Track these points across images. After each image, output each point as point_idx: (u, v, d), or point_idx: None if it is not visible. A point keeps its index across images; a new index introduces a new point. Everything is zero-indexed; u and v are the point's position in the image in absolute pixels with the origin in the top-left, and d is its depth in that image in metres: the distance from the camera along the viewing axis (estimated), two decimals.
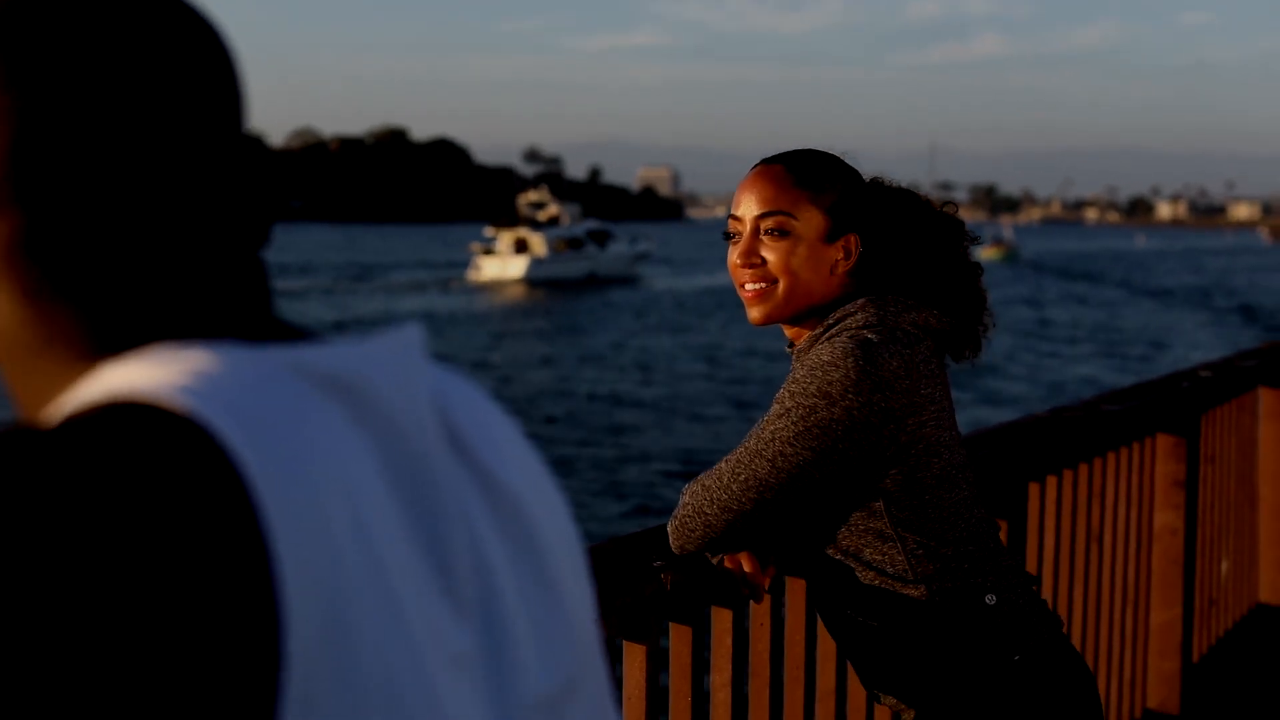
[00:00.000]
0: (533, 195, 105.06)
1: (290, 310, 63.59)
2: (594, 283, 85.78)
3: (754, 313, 2.87)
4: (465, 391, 1.13)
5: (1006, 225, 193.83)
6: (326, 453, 0.93)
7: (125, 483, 0.84)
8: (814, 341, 2.81)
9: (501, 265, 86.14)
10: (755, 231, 2.86)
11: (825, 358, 2.70)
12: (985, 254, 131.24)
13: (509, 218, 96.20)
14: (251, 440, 0.89)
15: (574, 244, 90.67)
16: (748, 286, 2.87)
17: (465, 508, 1.06)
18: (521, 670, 1.06)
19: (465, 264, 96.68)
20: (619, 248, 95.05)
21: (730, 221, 2.92)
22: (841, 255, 2.85)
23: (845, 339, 2.71)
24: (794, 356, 2.87)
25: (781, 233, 2.84)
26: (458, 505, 1.04)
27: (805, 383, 2.69)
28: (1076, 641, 4.73)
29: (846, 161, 2.94)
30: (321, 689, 0.88)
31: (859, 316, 2.78)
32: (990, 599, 2.78)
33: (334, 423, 0.96)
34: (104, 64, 0.99)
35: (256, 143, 1.10)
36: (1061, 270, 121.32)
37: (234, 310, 1.05)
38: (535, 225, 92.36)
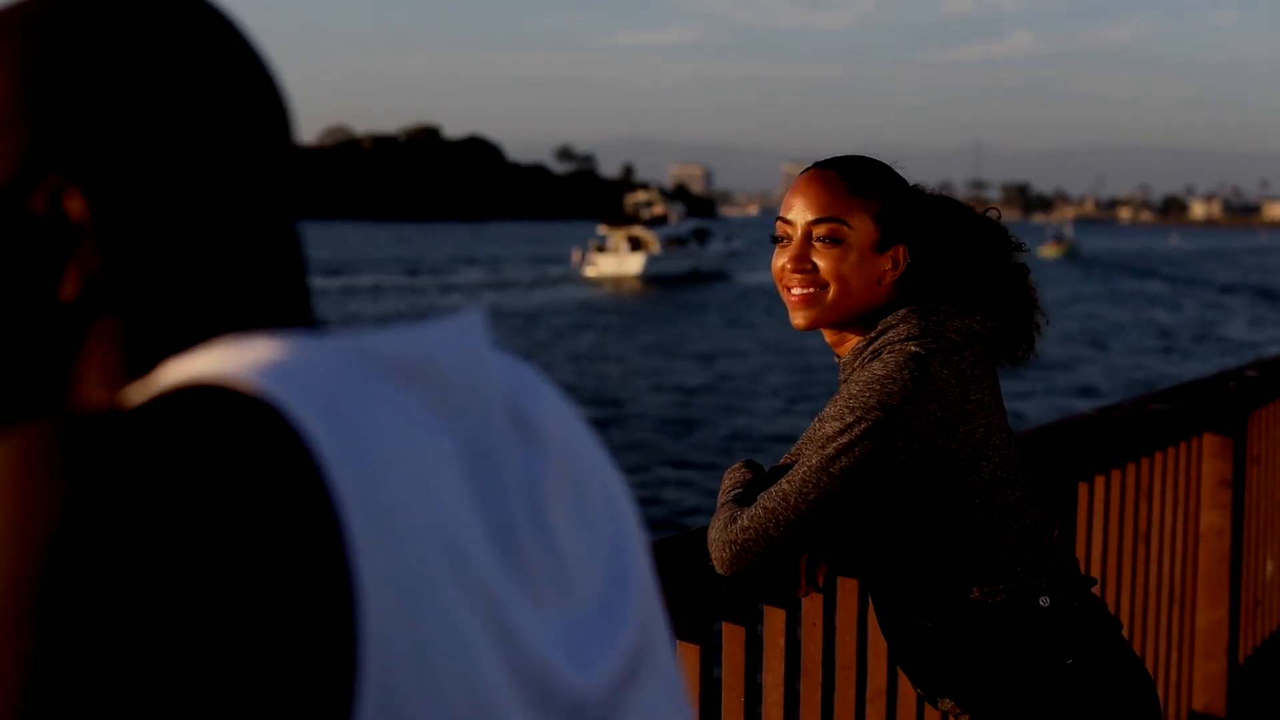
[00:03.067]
0: (641, 195, 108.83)
1: (417, 306, 65.42)
2: (695, 278, 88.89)
3: (799, 317, 2.84)
4: (528, 377, 1.12)
5: (1065, 225, 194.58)
6: (402, 438, 0.93)
7: (206, 469, 0.84)
8: (859, 353, 2.79)
9: (619, 262, 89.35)
10: (807, 237, 2.84)
11: (880, 371, 2.68)
12: (1046, 251, 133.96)
13: (618, 216, 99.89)
14: (329, 426, 0.89)
15: (680, 242, 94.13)
16: (795, 291, 2.84)
17: (538, 492, 1.05)
18: (586, 657, 1.05)
19: (554, 260, 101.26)
20: (717, 245, 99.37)
21: (780, 225, 2.89)
22: (890, 266, 2.83)
23: (898, 351, 2.70)
24: (841, 369, 2.85)
25: (834, 240, 2.81)
26: (531, 490, 1.04)
27: (864, 396, 2.67)
28: None
29: (896, 171, 2.93)
30: (400, 677, 0.88)
31: (902, 328, 2.76)
32: (1044, 601, 2.75)
33: (406, 407, 0.96)
34: (155, 66, 1.00)
35: (293, 144, 1.09)
36: (1120, 266, 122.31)
37: (279, 309, 1.05)
38: (645, 224, 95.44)
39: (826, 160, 2.91)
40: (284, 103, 1.08)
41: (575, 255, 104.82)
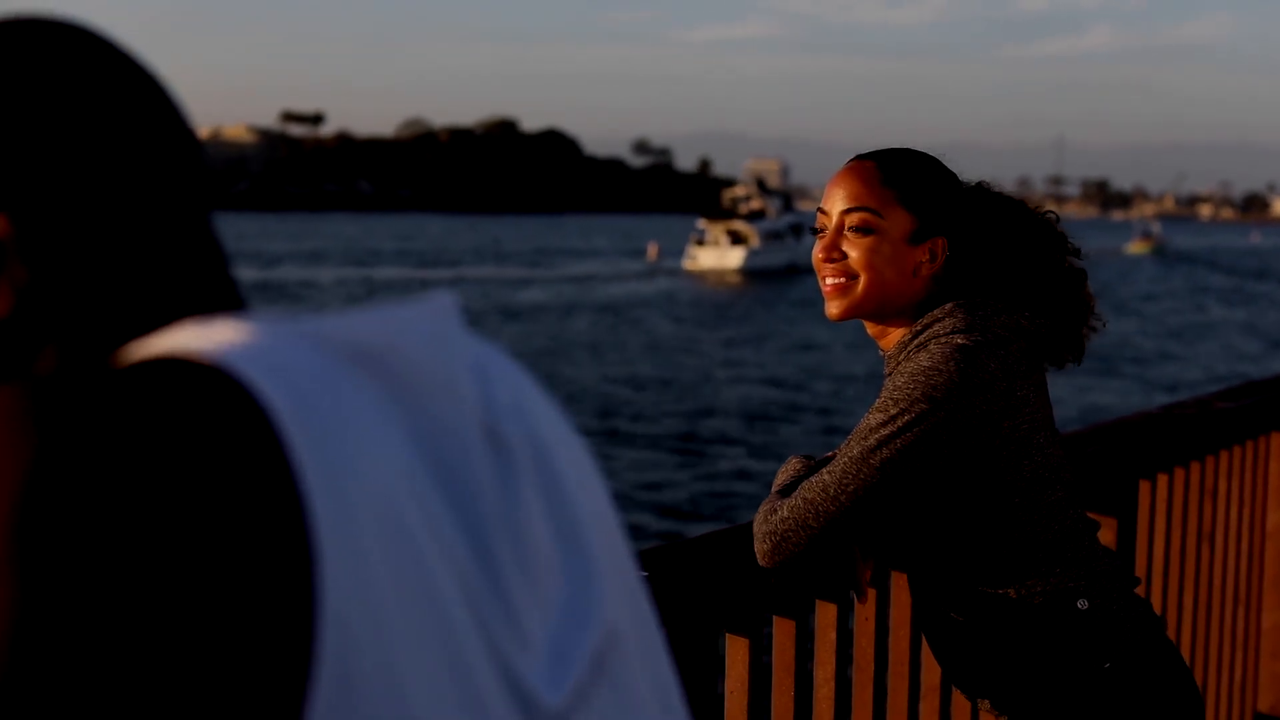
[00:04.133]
0: (740, 190, 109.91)
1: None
2: (792, 272, 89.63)
3: (832, 307, 2.85)
4: (499, 362, 1.13)
5: (1152, 221, 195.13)
6: (358, 417, 0.96)
7: (171, 433, 0.88)
8: (905, 348, 2.79)
9: (720, 255, 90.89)
10: (840, 227, 2.85)
11: (926, 363, 2.68)
12: (1134, 249, 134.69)
13: (716, 210, 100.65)
14: (289, 396, 0.92)
15: (777, 236, 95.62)
16: (828, 280, 2.85)
17: (504, 480, 1.06)
18: (548, 657, 1.06)
19: (635, 253, 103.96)
20: (810, 240, 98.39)
21: (818, 216, 2.91)
22: (926, 258, 2.83)
23: (944, 343, 2.69)
24: (886, 362, 2.85)
25: (866, 230, 2.82)
26: (498, 475, 1.05)
27: (909, 389, 2.67)
28: (1186, 643, 4.67)
29: (944, 164, 2.91)
30: (357, 654, 0.89)
31: (948, 321, 2.75)
32: (1082, 604, 2.73)
33: (361, 390, 0.97)
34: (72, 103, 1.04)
35: (192, 143, 1.12)
36: (1208, 262, 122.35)
37: (209, 299, 1.08)
38: (743, 218, 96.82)
39: (867, 152, 2.92)
40: (175, 106, 1.11)
41: (651, 250, 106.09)
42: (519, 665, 1.02)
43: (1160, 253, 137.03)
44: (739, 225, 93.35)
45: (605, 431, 29.31)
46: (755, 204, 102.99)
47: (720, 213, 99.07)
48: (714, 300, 68.19)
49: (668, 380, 37.67)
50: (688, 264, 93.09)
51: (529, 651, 1.03)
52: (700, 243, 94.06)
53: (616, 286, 77.96)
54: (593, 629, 1.09)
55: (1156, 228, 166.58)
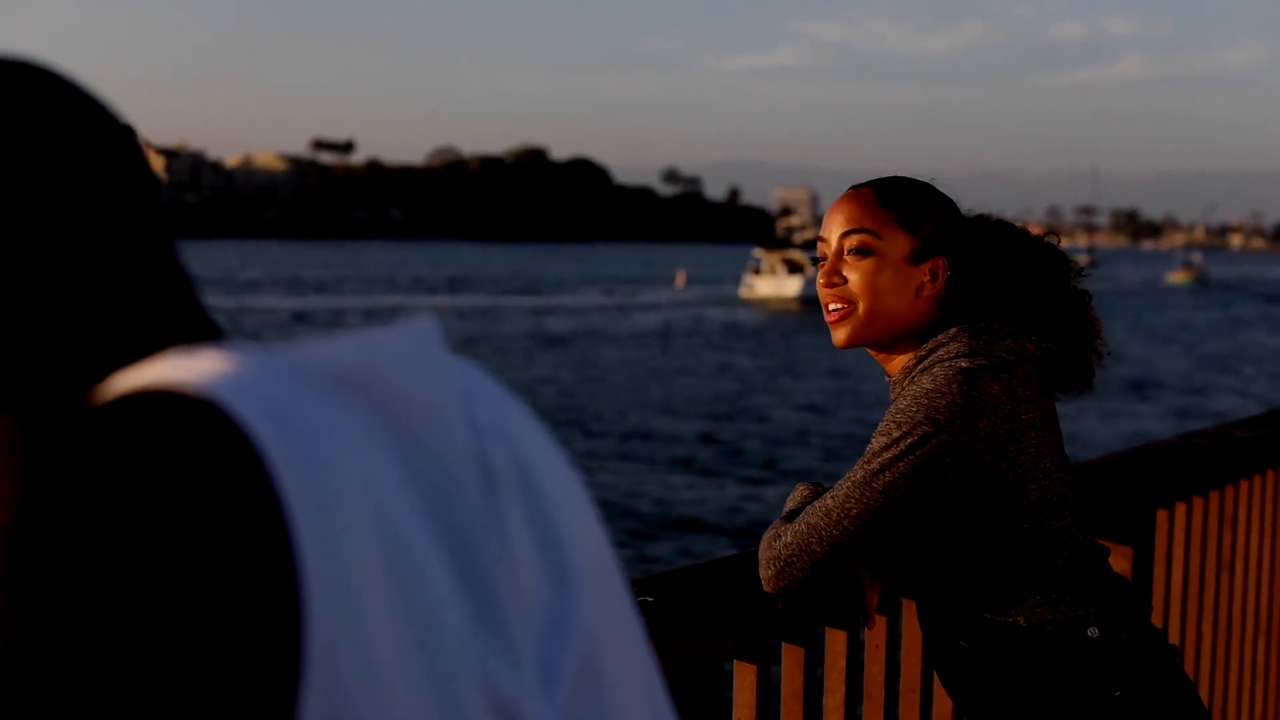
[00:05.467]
0: (794, 220, 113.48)
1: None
2: None
3: (837, 335, 2.83)
4: (482, 383, 1.13)
5: (1194, 252, 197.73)
6: (346, 447, 0.95)
7: (157, 466, 0.87)
8: (910, 372, 2.77)
9: (777, 284, 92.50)
10: (840, 252, 2.84)
11: (929, 385, 2.66)
12: (1176, 278, 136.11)
13: (770, 240, 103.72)
14: (274, 427, 0.91)
15: None
16: (830, 308, 2.83)
17: (492, 504, 1.05)
18: (531, 672, 1.05)
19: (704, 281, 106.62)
20: None
21: (819, 245, 2.90)
22: (928, 278, 2.81)
23: (947, 366, 2.67)
24: (891, 388, 2.83)
25: (864, 252, 2.81)
26: (482, 502, 1.04)
27: (911, 411, 2.65)
28: (1205, 674, 4.64)
29: (938, 189, 2.91)
30: (346, 684, 0.89)
31: (952, 346, 2.73)
32: (1092, 632, 2.70)
33: (347, 418, 0.97)
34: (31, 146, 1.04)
35: (148, 175, 1.13)
36: (1249, 293, 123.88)
37: (184, 328, 1.08)
38: (799, 247, 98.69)
39: (865, 180, 2.92)
40: (130, 137, 1.11)
41: (679, 278, 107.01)
42: (510, 689, 1.01)
43: (1202, 282, 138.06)
44: (795, 254, 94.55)
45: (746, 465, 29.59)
46: (809, 233, 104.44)
47: (775, 242, 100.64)
48: (781, 327, 70.12)
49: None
50: (744, 292, 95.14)
51: (521, 671, 1.03)
52: (757, 271, 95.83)
53: (682, 312, 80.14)
54: (574, 642, 1.08)
55: (1198, 258, 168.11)
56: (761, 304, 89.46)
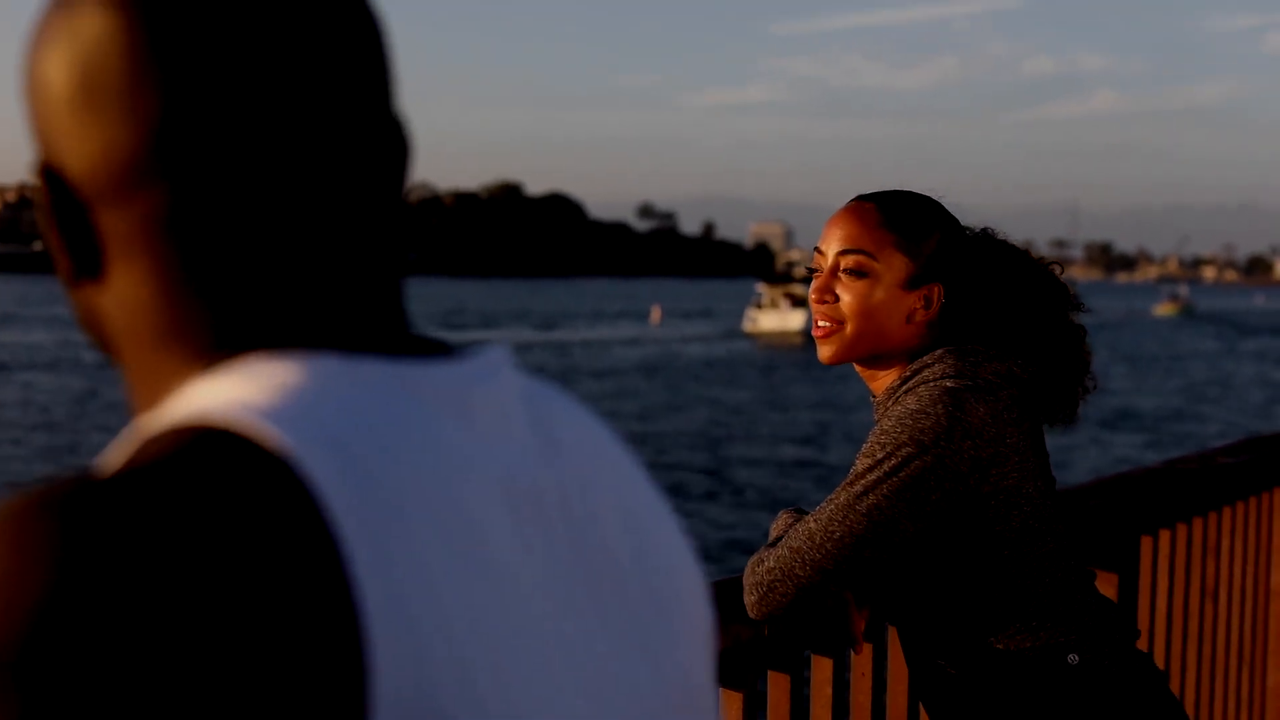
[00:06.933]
0: (795, 254, 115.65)
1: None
2: None
3: (822, 351, 2.80)
4: (563, 402, 1.09)
5: (1183, 284, 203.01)
6: (433, 472, 0.91)
7: (199, 545, 0.80)
8: (894, 392, 2.73)
9: (781, 318, 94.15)
10: (835, 269, 2.79)
11: (914, 406, 2.62)
12: (1162, 310, 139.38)
13: (770, 274, 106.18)
14: (343, 474, 0.86)
15: None
16: (819, 324, 2.79)
17: (574, 519, 1.02)
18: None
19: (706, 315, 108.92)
20: None
21: (815, 256, 2.85)
22: (921, 304, 2.77)
23: (932, 387, 2.63)
24: (875, 408, 2.79)
25: (859, 273, 2.76)
26: (568, 517, 1.01)
27: (895, 433, 2.61)
28: (1189, 702, 4.62)
29: (945, 207, 2.85)
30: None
31: (938, 367, 2.69)
32: (1073, 659, 2.65)
33: (445, 435, 0.94)
34: (257, 38, 0.95)
35: (404, 135, 1.05)
36: (1232, 323, 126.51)
37: (363, 316, 1.00)
38: (801, 281, 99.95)
39: (869, 194, 2.85)
40: (389, 76, 1.04)
41: (655, 313, 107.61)
42: None
43: (1189, 313, 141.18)
44: (798, 289, 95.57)
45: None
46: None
47: (776, 277, 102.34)
48: (791, 360, 70.77)
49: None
50: (748, 326, 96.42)
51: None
52: (759, 306, 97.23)
53: (695, 348, 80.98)
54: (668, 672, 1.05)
55: (1184, 290, 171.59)
56: (765, 338, 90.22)
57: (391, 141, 1.03)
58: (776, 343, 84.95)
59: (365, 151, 1.00)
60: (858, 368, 2.84)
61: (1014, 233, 2.93)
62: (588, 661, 0.99)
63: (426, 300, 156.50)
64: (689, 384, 55.87)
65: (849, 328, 2.76)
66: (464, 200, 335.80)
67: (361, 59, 1.00)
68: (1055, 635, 2.66)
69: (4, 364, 58.24)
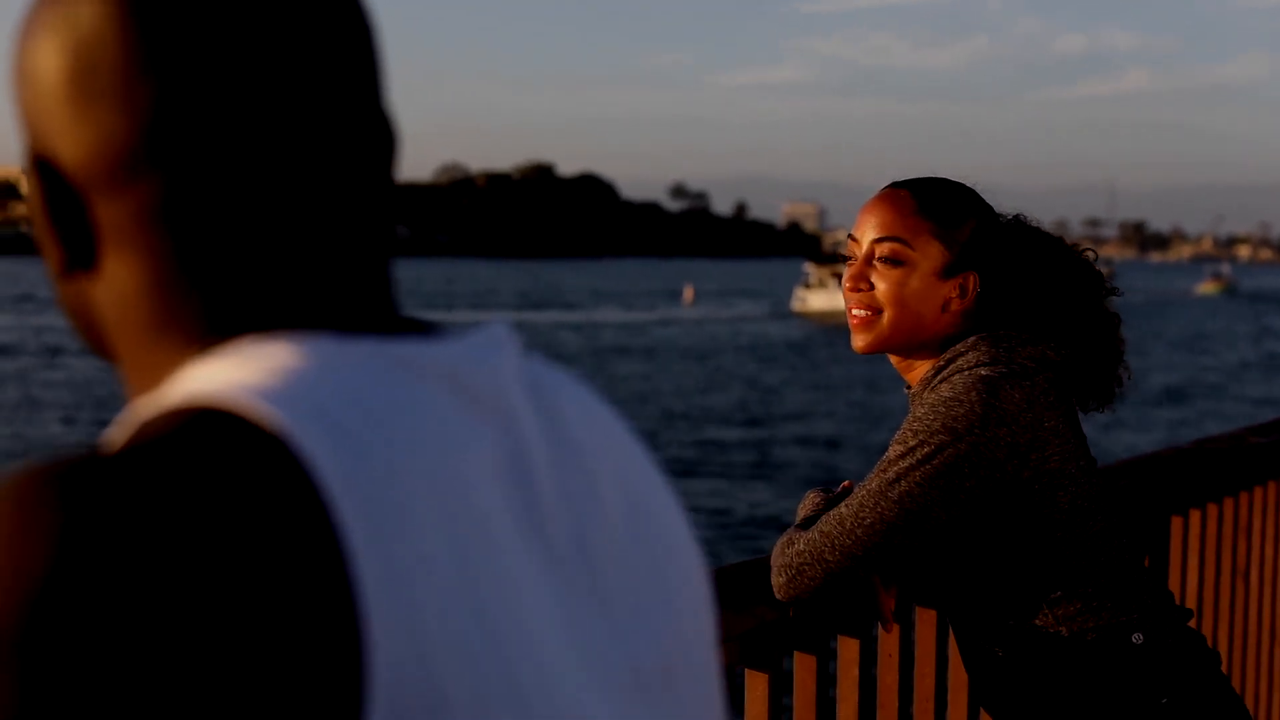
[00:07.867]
0: (841, 234, 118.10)
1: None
2: None
3: (857, 341, 2.77)
4: (567, 386, 1.08)
5: (1225, 263, 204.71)
6: (430, 448, 0.91)
7: (197, 521, 0.80)
8: (928, 382, 2.71)
9: (829, 297, 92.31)
10: (869, 256, 2.76)
11: (947, 394, 2.59)
12: (1205, 289, 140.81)
13: (819, 255, 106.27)
14: (338, 451, 0.86)
15: None
16: (854, 313, 2.77)
17: (575, 505, 1.01)
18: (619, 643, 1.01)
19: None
20: None
21: (849, 243, 2.82)
22: (956, 293, 2.74)
23: (966, 375, 2.61)
24: (910, 399, 2.77)
25: (895, 261, 2.73)
26: (568, 502, 1.01)
27: (929, 420, 2.58)
28: None
29: (980, 195, 2.82)
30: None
31: (972, 355, 2.66)
32: (1137, 638, 2.62)
33: (442, 412, 0.93)
34: (252, 28, 0.96)
35: (391, 128, 1.06)
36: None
37: (354, 300, 1.01)
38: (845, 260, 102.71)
39: (904, 180, 2.81)
40: (377, 68, 1.05)
41: (687, 293, 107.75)
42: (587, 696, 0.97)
43: (1232, 292, 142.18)
44: (844, 268, 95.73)
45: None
46: None
47: (824, 257, 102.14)
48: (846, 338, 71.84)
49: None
50: (797, 306, 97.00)
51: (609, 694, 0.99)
52: (807, 285, 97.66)
53: (751, 327, 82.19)
54: (652, 652, 1.05)
55: (1226, 269, 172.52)
56: (816, 317, 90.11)
57: (379, 132, 1.04)
58: (827, 322, 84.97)
59: (354, 141, 1.01)
60: (892, 359, 2.81)
61: (1047, 213, 2.97)
62: (586, 637, 0.99)
63: (458, 281, 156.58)
64: (745, 365, 56.03)
65: (885, 317, 2.73)
66: (496, 181, 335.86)
67: (350, 52, 1.01)
68: (1117, 615, 2.64)
69: (59, 348, 58.13)
